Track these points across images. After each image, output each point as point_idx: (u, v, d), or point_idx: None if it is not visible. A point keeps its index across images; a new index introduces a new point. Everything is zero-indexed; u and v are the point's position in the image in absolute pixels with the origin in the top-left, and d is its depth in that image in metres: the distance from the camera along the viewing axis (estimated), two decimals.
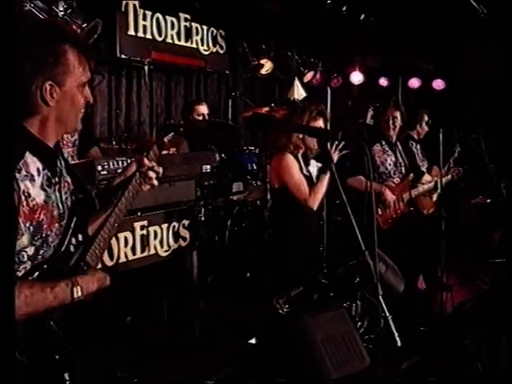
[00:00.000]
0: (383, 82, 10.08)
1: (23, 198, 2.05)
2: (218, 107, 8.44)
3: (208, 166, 5.13)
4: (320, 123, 4.62)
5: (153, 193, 4.45)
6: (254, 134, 6.25)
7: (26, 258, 2.10)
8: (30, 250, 2.11)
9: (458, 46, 8.87)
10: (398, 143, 6.10)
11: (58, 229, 2.21)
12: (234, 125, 6.68)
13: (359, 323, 4.33)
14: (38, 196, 2.12)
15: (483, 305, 4.81)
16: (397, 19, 8.21)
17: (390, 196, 5.75)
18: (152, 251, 4.67)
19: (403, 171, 6.02)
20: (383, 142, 5.99)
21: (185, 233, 4.97)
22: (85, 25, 5.52)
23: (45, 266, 2.15)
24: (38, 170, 2.15)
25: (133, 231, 4.48)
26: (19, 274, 2.08)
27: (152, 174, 2.53)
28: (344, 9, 7.97)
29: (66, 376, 2.12)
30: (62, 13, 5.46)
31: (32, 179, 2.11)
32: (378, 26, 8.24)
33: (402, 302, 4.59)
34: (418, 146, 6.66)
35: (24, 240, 2.07)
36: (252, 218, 5.53)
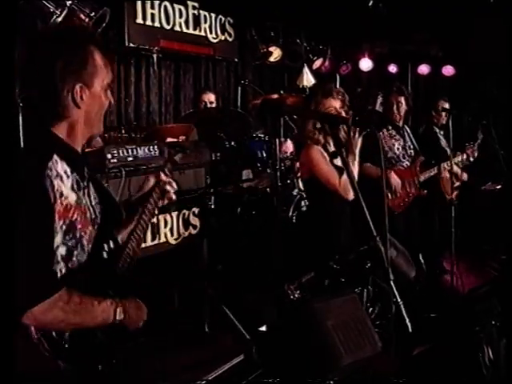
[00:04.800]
0: (392, 68, 10.03)
1: (57, 195, 2.07)
2: (227, 95, 8.43)
3: (218, 154, 5.13)
4: (332, 103, 4.64)
5: None
6: (264, 121, 6.26)
7: (59, 258, 2.09)
8: (63, 250, 2.10)
9: (467, 31, 8.81)
10: (406, 127, 6.15)
11: (91, 232, 2.23)
12: (243, 112, 6.67)
13: (371, 309, 4.33)
14: (70, 196, 2.13)
15: (494, 291, 4.81)
16: (405, 4, 8.18)
17: (395, 180, 5.78)
18: (162, 239, 4.68)
19: (413, 155, 6.06)
20: (389, 128, 6.04)
21: (195, 220, 4.97)
22: (93, 14, 5.51)
23: (80, 272, 2.16)
24: (66, 172, 2.15)
25: None
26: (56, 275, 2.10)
27: (170, 189, 2.67)
28: None
29: None
30: (70, 2, 5.45)
31: (62, 179, 2.11)
32: (387, 11, 8.21)
33: (413, 288, 4.61)
34: (442, 132, 6.74)
35: (57, 239, 2.08)
36: (262, 205, 5.53)
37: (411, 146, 6.12)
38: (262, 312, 4.46)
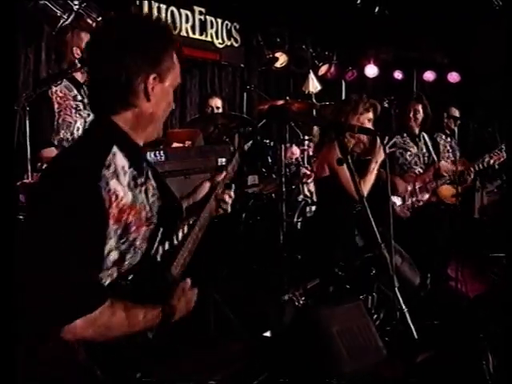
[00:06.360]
0: (398, 75, 10.03)
1: (113, 198, 1.94)
2: (232, 100, 8.44)
3: (223, 159, 5.13)
4: (370, 116, 4.71)
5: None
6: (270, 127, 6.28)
7: (110, 264, 1.98)
8: (115, 255, 1.99)
9: (473, 38, 8.81)
10: (424, 134, 6.18)
11: (145, 232, 2.09)
12: (249, 118, 6.68)
13: (375, 315, 4.33)
14: (126, 196, 2.00)
15: (497, 298, 4.80)
16: (411, 11, 8.19)
17: (401, 186, 5.79)
18: None
19: (427, 162, 6.09)
20: (404, 135, 6.08)
21: None
22: (100, 18, 5.53)
23: (131, 276, 2.04)
24: (124, 167, 2.03)
25: None
26: (105, 281, 1.99)
27: (226, 198, 2.64)
28: (358, 1, 7.96)
29: None
30: (77, 6, 5.48)
31: (118, 177, 1.99)
32: (393, 17, 8.23)
33: (418, 295, 4.61)
34: (448, 139, 6.76)
35: (111, 244, 1.96)
36: (267, 211, 5.52)
37: (426, 154, 6.16)
38: (267, 317, 4.45)
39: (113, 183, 1.95)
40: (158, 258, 2.15)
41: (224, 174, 2.69)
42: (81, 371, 1.86)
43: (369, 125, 4.73)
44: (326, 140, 4.86)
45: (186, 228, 2.40)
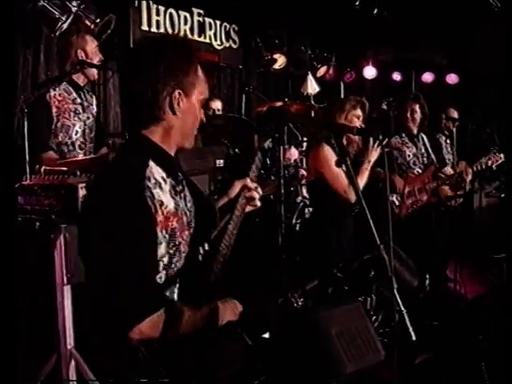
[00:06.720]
0: (396, 76, 10.04)
1: (158, 206, 2.10)
2: (231, 102, 8.44)
3: (221, 161, 5.13)
4: (358, 113, 4.70)
5: None
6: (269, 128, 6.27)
7: (161, 268, 2.15)
8: (166, 259, 2.16)
9: (471, 37, 8.81)
10: (423, 135, 6.17)
11: (188, 237, 2.25)
12: (247, 119, 6.68)
13: (374, 317, 4.32)
14: (170, 203, 2.16)
15: (497, 299, 4.80)
16: (410, 12, 8.19)
17: (399, 183, 5.79)
18: None
19: (426, 162, 6.08)
20: (403, 135, 6.07)
21: None
22: (98, 20, 5.53)
23: (177, 278, 2.20)
24: (163, 178, 2.20)
25: None
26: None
27: (255, 195, 2.72)
28: (357, 3, 7.96)
29: None
30: (76, 8, 5.47)
31: (160, 187, 2.15)
32: (391, 19, 8.22)
33: (417, 296, 4.60)
34: (448, 140, 6.76)
35: (162, 249, 2.12)
36: (265, 212, 5.52)
37: (425, 154, 6.15)
38: (265, 319, 4.45)
39: (156, 192, 2.12)
40: (200, 259, 2.32)
41: (251, 175, 2.79)
42: (143, 368, 2.01)
43: (358, 122, 4.73)
44: (314, 143, 4.86)
45: (221, 226, 2.55)
